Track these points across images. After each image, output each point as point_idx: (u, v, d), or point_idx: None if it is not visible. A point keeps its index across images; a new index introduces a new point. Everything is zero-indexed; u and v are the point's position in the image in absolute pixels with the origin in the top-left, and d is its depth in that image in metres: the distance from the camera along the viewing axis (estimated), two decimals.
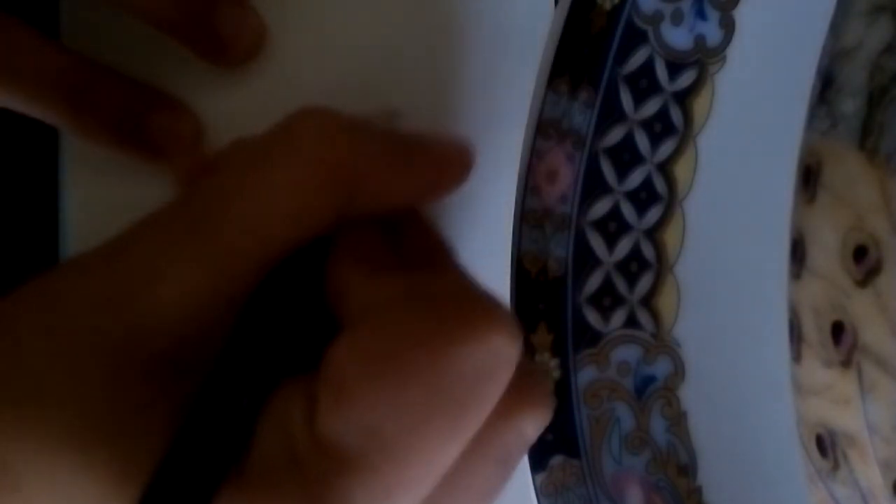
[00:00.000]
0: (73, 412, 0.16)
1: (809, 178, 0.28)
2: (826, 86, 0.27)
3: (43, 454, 0.16)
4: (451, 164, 0.22)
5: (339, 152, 0.19)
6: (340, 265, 0.19)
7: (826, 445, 0.28)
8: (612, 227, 0.27)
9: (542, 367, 0.26)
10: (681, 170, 0.27)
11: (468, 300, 0.17)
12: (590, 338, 0.27)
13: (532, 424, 0.19)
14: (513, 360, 0.17)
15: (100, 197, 0.25)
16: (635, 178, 0.27)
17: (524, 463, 0.26)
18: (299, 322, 0.19)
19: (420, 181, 0.21)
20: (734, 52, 0.26)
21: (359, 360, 0.16)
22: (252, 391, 0.18)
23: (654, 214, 0.27)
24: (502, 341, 0.17)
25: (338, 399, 0.16)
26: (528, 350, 0.26)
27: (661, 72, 0.26)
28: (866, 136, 0.26)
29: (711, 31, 0.26)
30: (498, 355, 0.17)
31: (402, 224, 0.22)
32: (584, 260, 0.26)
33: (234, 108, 0.25)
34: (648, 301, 0.28)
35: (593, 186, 0.26)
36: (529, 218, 0.25)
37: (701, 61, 0.26)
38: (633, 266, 0.27)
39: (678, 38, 0.26)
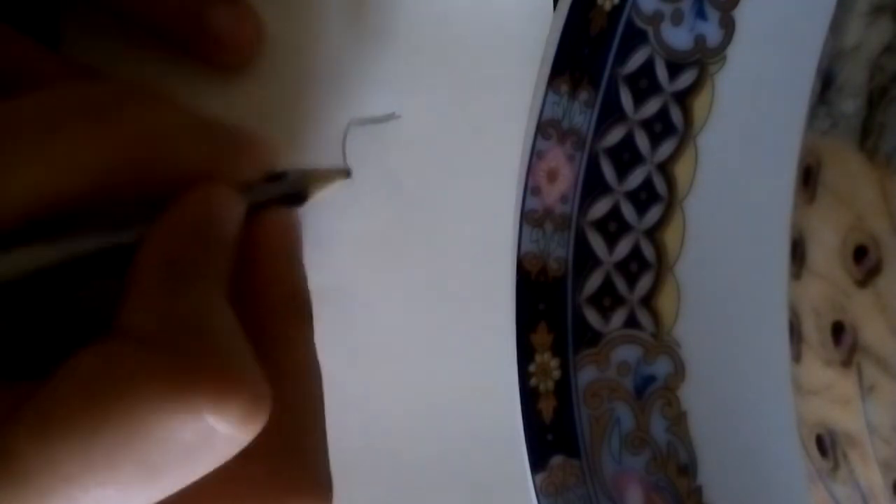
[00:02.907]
0: None
1: (809, 178, 0.28)
2: (826, 86, 0.27)
3: None
4: (249, 148, 0.20)
5: (145, 123, 0.18)
6: (151, 258, 0.17)
7: (826, 445, 0.28)
8: (612, 227, 0.27)
9: (545, 368, 0.26)
10: (681, 170, 0.27)
11: (207, 360, 0.16)
12: (590, 338, 0.27)
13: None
14: (235, 444, 0.16)
15: None
16: (635, 178, 0.27)
17: (524, 463, 0.26)
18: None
19: (217, 153, 0.20)
20: (734, 52, 0.26)
21: (73, 389, 0.15)
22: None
23: (654, 214, 0.27)
24: (221, 422, 0.15)
25: (37, 417, 0.15)
26: (528, 350, 0.26)
27: (661, 72, 0.26)
28: (866, 136, 0.26)
29: (711, 31, 0.26)
30: (212, 437, 0.15)
31: (261, 262, 0.20)
32: (584, 260, 0.26)
33: (233, 110, 0.25)
34: (648, 301, 0.28)
35: (593, 186, 0.26)
36: (529, 218, 0.25)
37: (701, 61, 0.26)
38: (633, 266, 0.27)
39: (678, 38, 0.26)
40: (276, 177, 0.22)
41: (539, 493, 0.26)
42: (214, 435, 0.15)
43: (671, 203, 0.27)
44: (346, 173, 0.24)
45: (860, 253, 0.26)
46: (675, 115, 0.27)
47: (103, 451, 0.15)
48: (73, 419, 0.15)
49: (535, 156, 0.25)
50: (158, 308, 0.16)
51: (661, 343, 0.28)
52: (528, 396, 0.25)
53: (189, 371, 0.15)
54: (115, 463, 0.15)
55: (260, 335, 0.19)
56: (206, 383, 0.15)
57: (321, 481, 0.18)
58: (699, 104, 0.27)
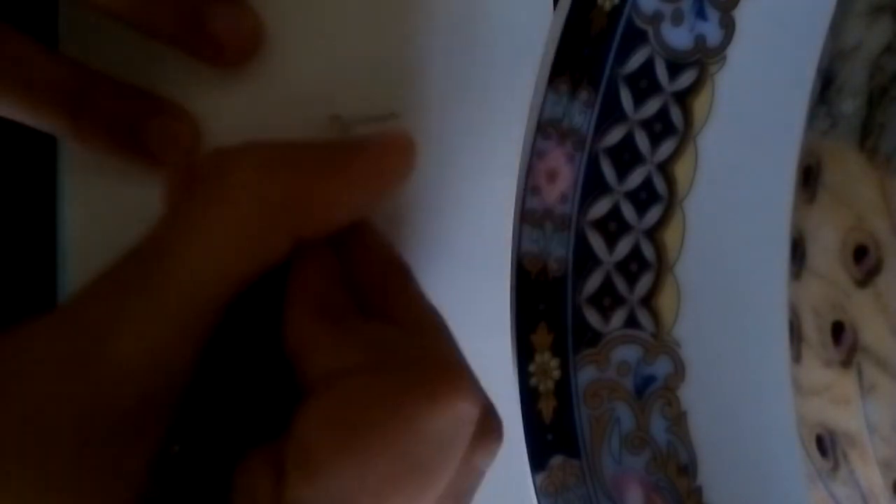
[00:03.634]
0: (38, 479, 0.16)
1: (809, 178, 0.28)
2: (826, 86, 0.27)
3: None
4: (388, 160, 0.22)
5: (276, 183, 0.19)
6: (296, 312, 0.19)
7: (826, 445, 0.28)
8: (612, 227, 0.27)
9: (545, 368, 0.26)
10: (681, 170, 0.27)
11: (431, 366, 0.18)
12: (590, 338, 0.27)
13: (488, 461, 0.19)
14: (475, 420, 0.18)
15: (98, 204, 0.25)
16: (635, 178, 0.27)
17: (524, 463, 0.26)
18: (256, 374, 0.19)
19: (362, 186, 0.21)
20: (734, 52, 0.26)
21: (326, 430, 0.17)
22: (214, 457, 0.18)
23: (654, 214, 0.27)
24: (465, 406, 0.17)
25: (306, 469, 0.16)
26: (528, 350, 0.26)
27: (661, 72, 0.26)
28: (866, 136, 0.26)
29: (711, 31, 0.26)
30: (461, 419, 0.17)
31: (353, 247, 0.22)
32: (584, 260, 0.26)
33: (233, 110, 0.25)
34: (648, 301, 0.28)
35: (593, 186, 0.26)
36: (529, 218, 0.25)
37: (701, 61, 0.26)
38: (633, 266, 0.27)
39: (678, 38, 0.26)
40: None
41: (539, 493, 0.26)
42: (461, 418, 0.17)
43: (671, 203, 0.27)
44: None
45: (860, 253, 0.26)
46: (675, 115, 0.27)
47: (381, 466, 0.16)
48: (340, 450, 0.16)
49: (535, 156, 0.25)
50: (350, 342, 0.18)
51: (661, 343, 0.28)
52: (528, 396, 0.25)
53: (437, 375, 0.17)
54: (395, 473, 0.17)
55: (383, 295, 0.21)
56: (449, 379, 0.17)
57: (462, 372, 0.19)
58: (699, 104, 0.27)
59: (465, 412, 0.17)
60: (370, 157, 0.21)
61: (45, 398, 0.17)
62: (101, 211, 0.25)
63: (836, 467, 0.28)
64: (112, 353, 0.17)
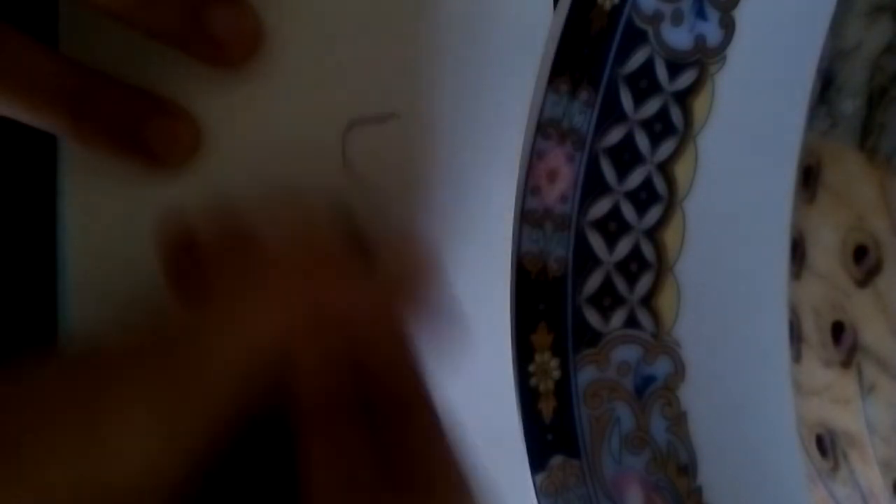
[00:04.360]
0: None
1: (809, 178, 0.28)
2: (826, 86, 0.27)
3: None
4: (416, 281, 0.22)
5: (314, 293, 0.19)
6: (318, 486, 0.18)
7: (826, 445, 0.28)
8: (612, 227, 0.27)
9: (545, 368, 0.26)
10: (681, 170, 0.27)
11: None
12: (590, 338, 0.27)
13: None
14: None
15: (98, 204, 0.25)
16: (635, 178, 0.27)
17: (524, 463, 0.26)
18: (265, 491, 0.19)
19: (389, 304, 0.21)
20: (734, 52, 0.26)
21: None
22: None
23: (654, 214, 0.27)
24: None
25: None
26: (528, 350, 0.26)
27: (661, 72, 0.26)
28: (866, 136, 0.26)
29: (711, 31, 0.26)
30: None
31: (373, 367, 0.21)
32: (584, 260, 0.26)
33: (233, 110, 0.25)
34: (648, 301, 0.28)
35: (593, 186, 0.26)
36: (529, 218, 0.25)
37: (701, 61, 0.26)
38: (633, 266, 0.27)
39: (678, 38, 0.26)
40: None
41: (539, 493, 0.26)
42: None
43: (671, 203, 0.27)
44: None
45: (860, 253, 0.26)
46: (675, 115, 0.27)
47: None
48: None
49: (535, 156, 0.25)
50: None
51: (661, 343, 0.28)
52: (528, 396, 0.25)
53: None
54: None
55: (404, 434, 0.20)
56: None
57: None
58: (699, 104, 0.27)
59: None
60: (403, 280, 0.21)
61: (50, 488, 0.16)
62: (101, 211, 0.25)
63: (836, 467, 0.28)
64: (119, 457, 0.16)
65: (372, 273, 0.21)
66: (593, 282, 0.27)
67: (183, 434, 0.17)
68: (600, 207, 0.26)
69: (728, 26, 0.26)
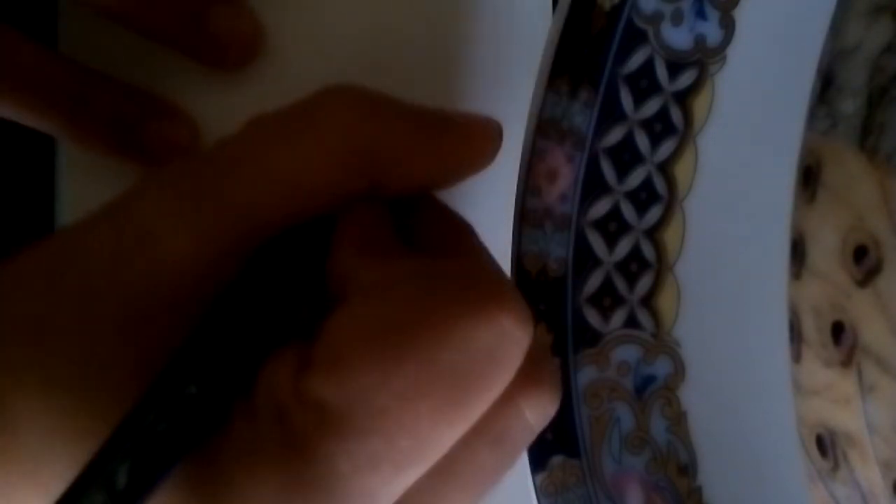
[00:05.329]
0: (76, 355, 0.16)
1: (809, 178, 0.28)
2: (826, 86, 0.27)
3: (39, 398, 0.16)
4: (477, 139, 0.21)
5: (368, 128, 0.19)
6: (344, 250, 0.18)
7: (826, 445, 0.28)
8: (612, 227, 0.27)
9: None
10: (681, 170, 0.27)
11: (478, 279, 0.17)
12: (590, 338, 0.27)
13: (536, 411, 0.18)
14: (523, 346, 0.17)
15: (96, 203, 0.25)
16: (635, 178, 0.27)
17: (524, 463, 0.26)
18: (294, 296, 0.19)
19: (448, 160, 0.21)
20: (734, 52, 0.26)
21: (358, 328, 0.16)
22: (236, 354, 0.17)
23: (654, 214, 0.27)
24: (511, 323, 0.16)
25: (332, 361, 0.16)
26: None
27: (661, 72, 0.26)
28: (866, 136, 0.26)
29: (711, 30, 0.26)
30: (506, 338, 0.16)
31: (417, 209, 0.21)
32: (584, 260, 0.26)
33: (232, 111, 0.25)
34: (648, 301, 0.28)
35: (593, 186, 0.26)
36: (529, 218, 0.25)
37: (701, 61, 0.26)
38: (633, 266, 0.27)
39: (678, 38, 0.26)
40: None
41: (539, 493, 0.26)
42: (506, 335, 0.16)
43: (671, 203, 0.27)
44: None
45: (860, 253, 0.26)
46: (675, 115, 0.27)
47: (409, 368, 0.15)
48: (367, 348, 0.16)
49: (534, 156, 0.25)
50: (395, 268, 0.18)
51: (661, 343, 0.28)
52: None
53: (479, 286, 0.17)
54: (423, 378, 0.16)
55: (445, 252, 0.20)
56: (498, 295, 0.16)
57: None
58: (699, 104, 0.27)
59: (510, 329, 0.16)
60: (461, 137, 0.21)
61: (87, 279, 0.17)
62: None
63: (836, 467, 0.28)
64: (157, 250, 0.17)
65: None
66: (593, 282, 0.27)
67: (218, 236, 0.17)
68: (600, 207, 0.26)
69: (728, 26, 0.26)
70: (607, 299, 0.27)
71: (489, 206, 0.26)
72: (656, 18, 0.25)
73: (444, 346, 0.16)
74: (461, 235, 0.21)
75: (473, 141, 0.21)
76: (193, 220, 0.17)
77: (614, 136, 0.26)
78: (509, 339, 0.16)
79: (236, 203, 0.17)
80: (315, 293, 0.19)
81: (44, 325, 0.17)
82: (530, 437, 0.19)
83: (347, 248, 0.18)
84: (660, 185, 0.27)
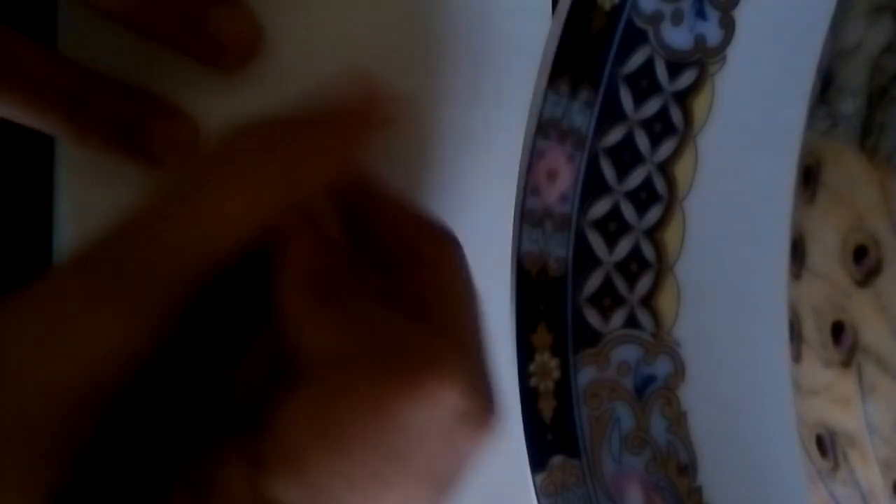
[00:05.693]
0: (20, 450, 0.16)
1: (809, 178, 0.28)
2: (826, 86, 0.27)
3: None
4: (367, 115, 0.21)
5: (272, 159, 0.19)
6: (288, 289, 0.18)
7: (826, 445, 0.28)
8: (612, 227, 0.27)
9: (545, 368, 0.26)
10: (681, 170, 0.27)
11: (417, 351, 0.17)
12: (590, 338, 0.27)
13: (474, 447, 0.19)
14: (457, 409, 0.17)
15: (95, 203, 0.25)
16: (635, 178, 0.27)
17: (524, 463, 0.26)
18: (234, 347, 0.19)
19: (341, 139, 0.20)
20: (734, 52, 0.26)
21: (305, 424, 0.16)
22: (160, 434, 0.17)
23: (654, 214, 0.27)
24: (445, 394, 0.17)
25: (287, 461, 0.16)
26: (528, 350, 0.26)
27: (661, 72, 0.26)
28: (866, 136, 0.26)
29: (711, 31, 0.26)
30: (440, 408, 0.17)
31: (369, 210, 0.21)
32: (584, 260, 0.26)
33: (233, 110, 0.25)
34: (648, 301, 0.28)
35: (593, 186, 0.26)
36: (529, 218, 0.25)
37: (701, 61, 0.26)
38: (633, 266, 0.27)
39: (678, 38, 0.26)
40: None
41: (539, 493, 0.26)
42: (440, 407, 0.17)
43: (671, 203, 0.27)
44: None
45: (860, 253, 0.26)
46: (675, 115, 0.27)
47: (363, 459, 0.16)
48: (320, 445, 0.16)
49: (535, 156, 0.25)
50: (338, 322, 0.18)
51: (661, 343, 0.28)
52: (528, 396, 0.25)
53: (420, 362, 0.17)
54: (378, 467, 0.16)
55: (417, 263, 0.20)
56: (430, 366, 0.17)
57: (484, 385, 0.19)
58: (699, 104, 0.27)
59: (444, 401, 0.17)
60: (349, 120, 0.21)
61: (26, 383, 0.16)
62: (97, 211, 0.25)
63: (836, 467, 0.28)
64: (81, 349, 0.16)
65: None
66: (593, 282, 0.27)
67: (145, 316, 0.17)
68: (600, 207, 0.26)
69: (728, 26, 0.26)
70: (607, 299, 0.27)
71: (489, 206, 0.26)
72: (656, 18, 0.25)
73: (391, 431, 0.16)
74: (413, 243, 0.21)
75: (357, 111, 0.21)
76: (118, 299, 0.17)
77: (614, 136, 0.26)
78: (447, 409, 0.17)
79: (159, 272, 0.17)
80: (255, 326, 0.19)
81: None
82: (467, 470, 0.19)
83: (296, 293, 0.18)
84: (660, 185, 0.27)
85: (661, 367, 0.28)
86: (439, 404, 0.17)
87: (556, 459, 0.26)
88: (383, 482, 0.16)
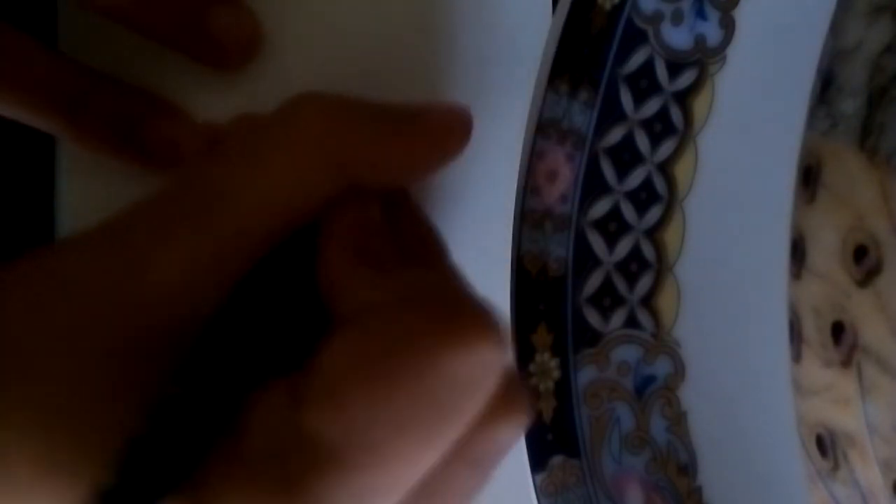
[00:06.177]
0: (66, 392, 0.17)
1: (809, 178, 0.28)
2: (826, 86, 0.27)
3: (30, 436, 0.16)
4: (447, 132, 0.22)
5: (340, 135, 0.19)
6: (333, 252, 0.19)
7: (826, 445, 0.28)
8: (612, 227, 0.27)
9: (545, 368, 0.26)
10: (681, 170, 0.27)
11: (460, 306, 0.17)
12: (590, 338, 0.27)
13: (509, 433, 0.19)
14: (498, 369, 0.17)
15: (96, 203, 0.25)
16: (635, 178, 0.27)
17: (524, 463, 0.26)
18: (287, 310, 0.19)
19: (421, 155, 0.21)
20: (734, 52, 0.26)
21: (349, 362, 0.16)
22: (232, 378, 0.18)
23: (654, 214, 0.27)
24: (489, 350, 0.17)
25: (328, 397, 0.16)
26: (528, 350, 0.26)
27: (661, 72, 0.26)
28: (866, 136, 0.26)
29: (711, 31, 0.26)
30: (484, 364, 0.17)
31: (394, 215, 0.22)
32: (584, 260, 0.26)
33: (233, 110, 0.25)
34: (648, 301, 0.28)
35: (593, 186, 0.26)
36: (529, 218, 0.25)
37: (701, 61, 0.26)
38: (633, 266, 0.27)
39: (678, 38, 0.26)
40: None
41: (539, 493, 0.26)
42: (483, 364, 0.17)
43: (671, 203, 0.27)
44: None
45: (860, 253, 0.26)
46: (675, 115, 0.27)
47: (401, 401, 0.16)
48: (361, 382, 0.16)
49: (534, 156, 0.25)
50: (384, 281, 0.18)
51: (661, 343, 0.28)
52: (528, 396, 0.25)
53: (467, 316, 0.17)
54: (413, 410, 0.16)
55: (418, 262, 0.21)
56: (477, 322, 0.17)
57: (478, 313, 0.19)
58: (699, 104, 0.27)
59: (487, 358, 0.17)
60: (428, 128, 0.21)
61: (76, 310, 0.17)
62: (98, 211, 0.25)
63: (836, 467, 0.28)
64: (147, 276, 0.17)
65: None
66: (593, 282, 0.27)
67: (208, 262, 0.18)
68: (600, 207, 0.26)
69: (728, 26, 0.26)
70: (607, 299, 0.27)
71: (489, 206, 0.26)
72: (656, 18, 0.25)
73: (432, 376, 0.16)
74: (434, 249, 0.22)
75: (444, 133, 0.22)
76: (183, 248, 0.18)
77: (614, 136, 0.26)
78: (487, 364, 0.17)
79: (224, 230, 0.18)
80: (308, 301, 0.19)
81: (33, 360, 0.17)
82: (504, 455, 0.20)
83: (340, 255, 0.19)
84: (660, 185, 0.27)
85: (661, 367, 0.28)
86: (480, 358, 0.17)
87: (556, 459, 0.26)
88: (414, 426, 0.16)
